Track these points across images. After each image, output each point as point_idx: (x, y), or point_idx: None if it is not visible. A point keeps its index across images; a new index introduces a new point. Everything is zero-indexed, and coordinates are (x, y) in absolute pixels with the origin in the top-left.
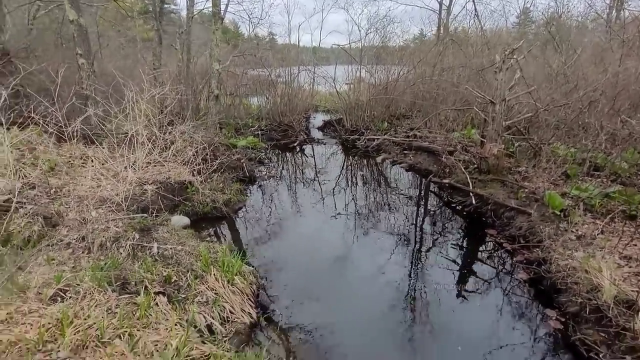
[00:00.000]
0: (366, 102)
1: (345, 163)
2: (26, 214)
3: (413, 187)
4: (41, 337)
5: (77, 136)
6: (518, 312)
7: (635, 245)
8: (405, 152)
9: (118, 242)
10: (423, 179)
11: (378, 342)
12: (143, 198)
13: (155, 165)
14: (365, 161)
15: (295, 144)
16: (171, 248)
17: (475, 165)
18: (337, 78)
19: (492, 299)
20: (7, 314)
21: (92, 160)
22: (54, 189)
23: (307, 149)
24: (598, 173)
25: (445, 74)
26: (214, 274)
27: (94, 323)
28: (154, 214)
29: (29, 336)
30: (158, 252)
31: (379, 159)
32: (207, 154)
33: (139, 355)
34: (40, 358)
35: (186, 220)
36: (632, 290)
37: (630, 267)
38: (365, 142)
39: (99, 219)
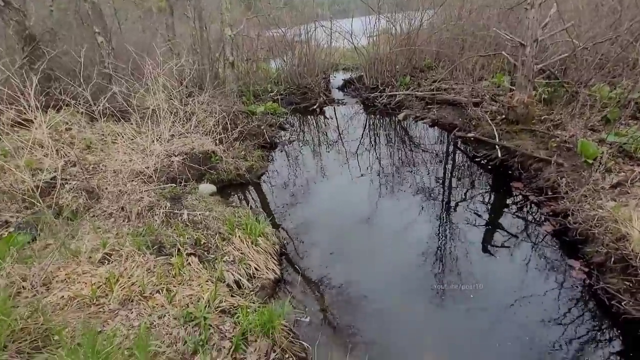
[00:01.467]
0: (386, 56)
1: (367, 122)
2: (71, 189)
3: (437, 142)
4: (94, 293)
5: (106, 114)
6: (542, 263)
7: None
8: (429, 106)
9: (152, 210)
10: (447, 134)
11: (403, 293)
12: (171, 169)
13: (179, 137)
14: (387, 119)
15: (315, 107)
16: (200, 214)
17: (503, 116)
18: (355, 31)
19: (516, 252)
20: (65, 274)
21: (122, 137)
22: (92, 165)
23: (328, 110)
24: None
25: (472, 16)
26: (239, 236)
27: (137, 281)
28: (182, 184)
29: (84, 292)
30: (188, 218)
31: (400, 117)
32: (227, 123)
33: (176, 307)
34: (94, 310)
35: (212, 188)
36: None
37: None
38: (385, 99)
39: (133, 190)
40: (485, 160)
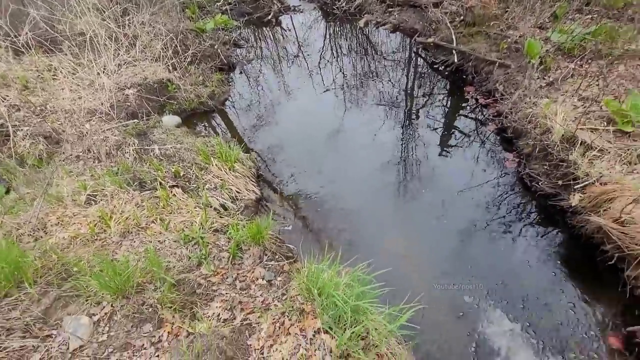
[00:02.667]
0: None
1: (328, 31)
2: (26, 136)
3: (399, 50)
4: (93, 230)
5: (33, 45)
6: (485, 157)
7: (598, 84)
8: (390, 9)
9: (121, 148)
10: (409, 40)
11: (369, 195)
12: (128, 104)
13: (127, 67)
14: (348, 26)
15: (270, 17)
16: (171, 147)
17: (462, 18)
18: None
19: (466, 150)
20: (57, 217)
21: (60, 71)
22: (38, 107)
23: (284, 20)
24: (589, 8)
25: None
26: (216, 164)
27: (130, 215)
28: (144, 118)
29: (83, 231)
30: (160, 153)
31: (361, 23)
32: (176, 45)
33: (173, 232)
34: (99, 244)
35: (177, 119)
36: (580, 129)
37: (584, 107)
38: (345, 4)
39: (94, 131)
40: (443, 67)
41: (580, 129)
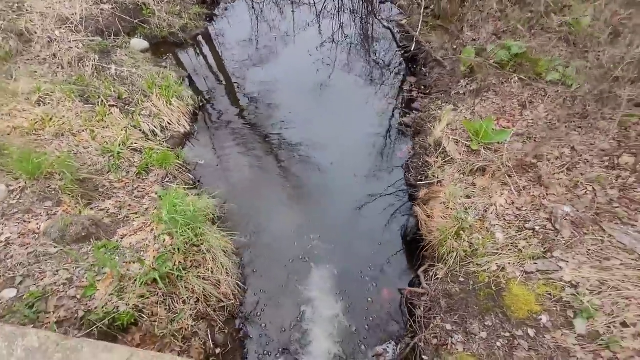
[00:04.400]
0: None
1: None
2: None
3: (376, 22)
4: (32, 126)
5: None
6: (387, 143)
7: (497, 103)
8: None
9: (82, 61)
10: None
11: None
12: (100, 19)
13: None
14: None
15: None
16: (127, 70)
17: (432, 7)
18: None
19: (373, 128)
20: (9, 109)
21: None
22: (16, 4)
23: None
24: (550, 27)
25: None
26: (157, 95)
27: (67, 121)
28: (112, 37)
29: (25, 125)
30: (116, 73)
31: None
32: None
33: (97, 143)
34: (33, 138)
35: (145, 44)
36: (448, 138)
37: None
38: None
39: (62, 38)
40: (403, 51)
41: (448, 138)
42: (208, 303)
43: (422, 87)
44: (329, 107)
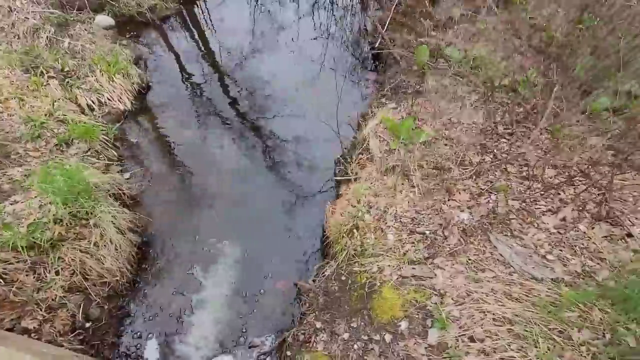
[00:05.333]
0: None
1: None
2: None
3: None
4: None
5: None
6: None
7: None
8: None
9: (37, 32)
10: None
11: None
12: None
13: None
14: None
15: None
16: (81, 44)
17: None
18: None
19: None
20: None
21: None
22: None
23: None
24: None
25: None
26: (101, 70)
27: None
28: (74, 10)
29: None
30: (69, 46)
31: None
32: None
33: (24, 112)
34: None
35: (110, 22)
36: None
37: None
38: None
39: (22, 9)
40: (370, 47)
41: (375, 135)
42: (87, 277)
43: (379, 85)
44: (280, 99)
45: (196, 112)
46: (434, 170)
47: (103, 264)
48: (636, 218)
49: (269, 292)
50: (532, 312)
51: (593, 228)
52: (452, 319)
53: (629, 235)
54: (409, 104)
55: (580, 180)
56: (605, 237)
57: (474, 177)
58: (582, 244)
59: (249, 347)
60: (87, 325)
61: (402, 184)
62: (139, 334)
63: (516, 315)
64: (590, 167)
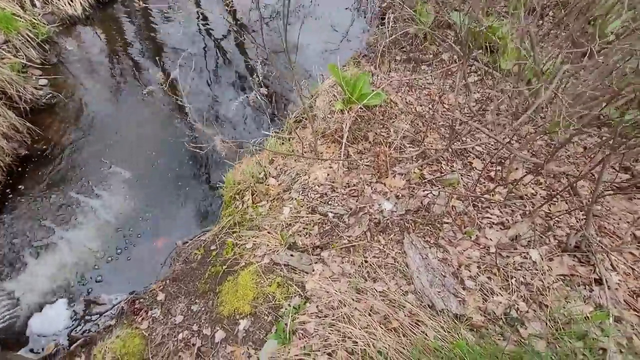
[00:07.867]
0: None
1: None
2: None
3: None
4: None
5: None
6: None
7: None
8: None
9: None
10: None
11: None
12: None
13: None
14: None
15: None
16: None
17: None
18: None
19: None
20: None
21: None
22: None
23: None
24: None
25: None
26: None
27: None
28: None
29: None
30: None
31: None
32: None
33: None
34: None
35: None
36: None
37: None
38: None
39: None
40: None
41: (327, 92)
42: None
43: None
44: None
45: (155, 39)
46: (375, 146)
47: None
48: (618, 259)
49: (148, 248)
50: (404, 354)
51: (551, 260)
52: (300, 335)
53: (598, 282)
54: (385, 69)
55: (562, 197)
56: (563, 276)
57: (426, 166)
58: (524, 278)
59: (90, 302)
60: None
61: (332, 153)
62: None
63: (379, 354)
64: (583, 178)
